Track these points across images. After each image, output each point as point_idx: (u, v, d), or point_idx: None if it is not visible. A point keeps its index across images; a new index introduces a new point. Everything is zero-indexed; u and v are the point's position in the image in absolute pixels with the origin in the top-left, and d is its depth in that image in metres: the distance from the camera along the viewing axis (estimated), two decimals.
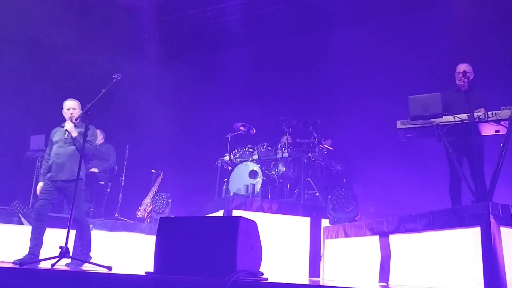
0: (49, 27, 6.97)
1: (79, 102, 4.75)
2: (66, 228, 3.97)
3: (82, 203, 4.70)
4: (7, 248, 5.24)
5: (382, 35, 7.16)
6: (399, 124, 4.15)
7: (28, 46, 6.71)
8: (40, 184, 4.68)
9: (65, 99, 4.75)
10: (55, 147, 4.68)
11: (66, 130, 4.59)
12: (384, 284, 3.72)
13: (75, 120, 4.66)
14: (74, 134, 4.58)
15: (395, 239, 3.83)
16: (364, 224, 4.32)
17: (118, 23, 7.95)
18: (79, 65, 7.09)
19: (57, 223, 5.58)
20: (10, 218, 5.52)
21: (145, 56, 8.37)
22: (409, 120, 4.08)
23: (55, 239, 5.27)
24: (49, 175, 4.62)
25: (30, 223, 5.50)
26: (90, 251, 4.66)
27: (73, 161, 4.58)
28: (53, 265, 3.65)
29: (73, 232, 5.44)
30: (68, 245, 3.86)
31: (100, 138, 7.19)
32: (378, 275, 3.89)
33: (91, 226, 5.79)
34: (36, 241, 4.41)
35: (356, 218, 5.00)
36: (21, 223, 5.54)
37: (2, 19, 6.60)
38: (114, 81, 4.43)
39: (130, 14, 8.00)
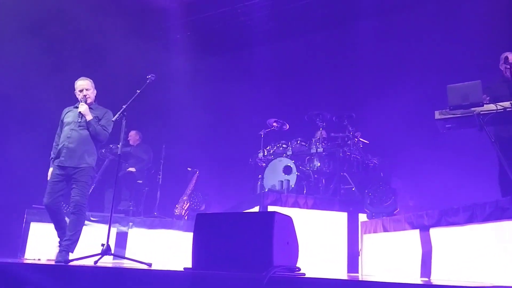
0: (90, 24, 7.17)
1: (92, 81, 4.44)
2: (107, 224, 4.08)
3: (88, 192, 4.28)
4: (52, 246, 5.46)
5: (415, 24, 6.94)
6: (437, 115, 4.01)
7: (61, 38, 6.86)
8: (50, 170, 4.26)
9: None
10: (66, 129, 4.29)
11: (79, 112, 4.26)
12: (426, 279, 3.61)
13: (90, 102, 4.36)
14: (89, 117, 4.26)
15: (436, 233, 3.72)
16: (403, 218, 4.22)
17: (150, 24, 8.11)
18: (112, 67, 7.26)
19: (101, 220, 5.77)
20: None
21: (177, 56, 8.48)
22: (448, 110, 3.93)
23: (94, 235, 5.48)
24: (58, 160, 4.20)
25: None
26: (74, 248, 4.11)
27: (85, 146, 4.25)
28: (96, 262, 3.77)
29: (102, 227, 5.62)
30: (109, 242, 3.96)
31: (136, 138, 7.38)
32: (419, 270, 3.79)
33: (130, 224, 5.96)
34: (65, 237, 4.05)
35: (395, 212, 4.88)
36: None
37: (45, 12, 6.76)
38: (148, 81, 4.50)
39: (161, 15, 8.14)
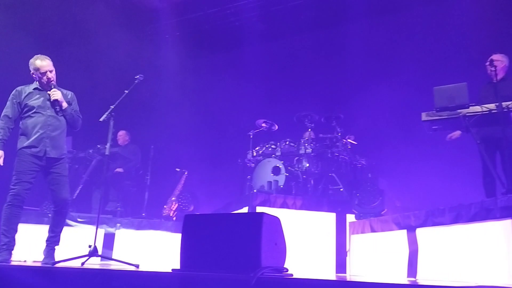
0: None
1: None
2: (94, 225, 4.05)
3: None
4: (38, 247, 5.40)
5: (403, 26, 7.03)
6: (424, 116, 4.06)
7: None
8: (1, 154, 3.78)
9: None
10: (40, 115, 3.89)
11: (54, 99, 3.90)
12: (413, 279, 3.65)
13: (54, 84, 3.95)
14: (65, 104, 3.99)
15: (422, 233, 3.77)
16: (390, 218, 4.26)
17: (139, 23, 8.07)
18: (100, 66, 7.21)
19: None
20: (41, 219, 5.67)
21: (166, 56, 8.46)
22: (434, 111, 3.99)
23: (81, 236, 5.44)
24: (37, 150, 3.84)
25: None
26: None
27: (63, 135, 4.03)
28: (83, 263, 3.74)
29: (89, 228, 5.58)
30: (97, 244, 3.94)
31: (126, 138, 7.33)
32: (406, 270, 3.83)
33: (118, 225, 5.92)
34: (14, 233, 3.78)
35: (382, 212, 4.93)
36: None
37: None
38: (136, 82, 4.48)
39: (150, 15, 8.11)
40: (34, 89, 4.00)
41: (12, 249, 3.80)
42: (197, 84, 8.46)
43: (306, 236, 5.04)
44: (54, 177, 3.92)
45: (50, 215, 4.07)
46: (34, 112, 3.90)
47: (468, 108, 3.86)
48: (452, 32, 6.48)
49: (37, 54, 3.99)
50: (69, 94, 4.18)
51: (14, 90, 3.98)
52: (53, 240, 3.96)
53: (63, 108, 3.99)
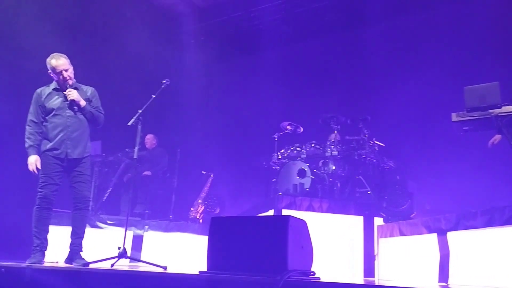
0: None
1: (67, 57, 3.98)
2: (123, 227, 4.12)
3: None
4: (66, 249, 5.53)
5: (430, 24, 6.88)
6: (454, 117, 3.95)
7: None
8: (35, 158, 3.81)
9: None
10: (60, 117, 3.90)
11: (71, 99, 3.89)
12: (444, 284, 3.56)
13: (72, 83, 3.93)
14: (83, 102, 3.95)
15: (454, 237, 3.67)
16: (420, 222, 4.17)
17: (165, 29, 8.19)
18: (127, 71, 7.34)
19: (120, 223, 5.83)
20: None
21: (192, 60, 8.55)
22: (465, 112, 3.88)
23: (111, 238, 5.54)
24: (58, 152, 3.86)
25: (91, 226, 5.78)
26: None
27: (85, 134, 4.02)
28: (112, 265, 3.80)
29: (118, 230, 5.69)
30: (126, 245, 4.00)
31: (153, 142, 7.45)
32: (437, 275, 3.74)
33: (146, 227, 6.01)
34: (45, 234, 3.88)
35: (412, 215, 4.82)
36: None
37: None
38: (163, 86, 4.54)
39: (176, 20, 8.22)
40: (53, 89, 3.98)
41: (45, 250, 3.91)
42: (222, 87, 8.52)
43: (332, 240, 4.98)
44: (76, 175, 3.95)
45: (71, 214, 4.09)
46: (54, 114, 3.91)
47: (501, 108, 3.74)
48: (481, 30, 6.28)
49: (67, 57, 4.04)
50: (89, 90, 4.14)
51: (35, 93, 3.99)
52: (77, 244, 4.00)
53: (82, 107, 3.95)
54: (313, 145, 6.03)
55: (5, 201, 5.67)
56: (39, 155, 3.88)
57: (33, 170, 3.84)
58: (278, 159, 6.22)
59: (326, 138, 6.13)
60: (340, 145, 5.91)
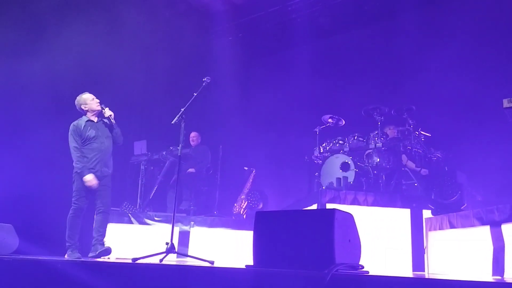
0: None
1: None
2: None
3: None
4: (120, 245, 5.75)
5: (479, 7, 6.55)
6: (506, 103, 3.75)
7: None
8: (92, 176, 4.61)
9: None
10: (97, 143, 4.72)
11: (108, 117, 4.78)
12: (499, 277, 3.40)
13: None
14: (114, 121, 4.84)
15: (508, 229, 3.49)
16: (471, 213, 4.00)
17: (203, 27, 8.29)
18: (171, 72, 7.48)
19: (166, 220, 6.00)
20: (121, 218, 6.04)
21: (231, 57, 8.60)
22: None
23: (158, 234, 5.70)
24: (93, 170, 4.64)
25: (139, 222, 5.98)
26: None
27: (111, 155, 4.88)
28: (161, 260, 3.91)
29: (165, 226, 5.84)
30: (173, 241, 4.10)
31: (197, 140, 7.58)
32: (491, 268, 3.58)
33: (192, 223, 6.14)
34: (77, 237, 4.62)
35: (462, 207, 4.64)
36: (130, 222, 6.03)
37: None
38: (204, 84, 4.61)
39: (213, 18, 8.30)
40: (86, 121, 4.78)
41: (78, 248, 4.60)
42: (261, 83, 8.53)
43: (379, 233, 4.88)
44: (102, 188, 4.71)
45: (95, 216, 4.78)
46: (92, 140, 4.73)
47: None
48: None
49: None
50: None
51: (72, 125, 4.73)
52: (100, 240, 4.67)
53: (113, 123, 4.81)
54: (355, 137, 5.91)
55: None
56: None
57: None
58: (320, 153, 6.15)
59: (369, 130, 5.99)
60: (384, 136, 5.76)
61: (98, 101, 4.85)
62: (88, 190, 4.62)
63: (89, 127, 4.74)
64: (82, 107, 4.81)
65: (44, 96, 5.95)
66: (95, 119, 4.85)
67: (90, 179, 4.58)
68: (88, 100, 4.80)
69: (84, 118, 4.81)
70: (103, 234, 4.70)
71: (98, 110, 4.83)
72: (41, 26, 6.01)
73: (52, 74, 5.97)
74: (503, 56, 5.96)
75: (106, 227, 4.77)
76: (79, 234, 4.63)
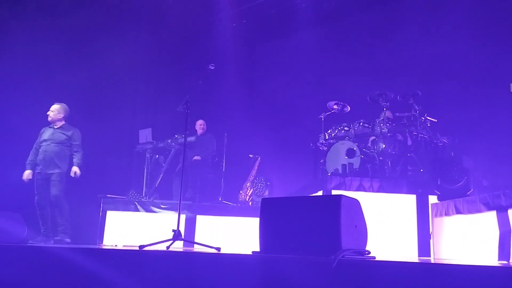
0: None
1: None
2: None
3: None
4: (127, 232, 5.80)
5: None
6: None
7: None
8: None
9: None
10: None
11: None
12: (505, 262, 3.41)
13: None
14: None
15: None
16: (478, 199, 3.99)
17: (206, 15, 8.22)
18: (175, 59, 7.45)
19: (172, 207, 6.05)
20: (128, 206, 6.07)
21: (235, 44, 8.55)
22: None
23: (165, 222, 5.75)
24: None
25: (145, 210, 6.02)
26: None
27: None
28: (168, 247, 3.94)
29: (171, 214, 5.90)
30: (179, 228, 4.12)
31: (203, 128, 7.57)
32: (497, 253, 3.58)
33: (198, 210, 6.17)
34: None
35: (468, 193, 4.62)
36: (137, 210, 6.07)
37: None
38: (208, 71, 4.58)
39: (217, 4, 8.23)
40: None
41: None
42: (265, 69, 8.47)
43: (385, 219, 4.88)
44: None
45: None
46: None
47: None
48: None
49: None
50: (70, 132, 5.63)
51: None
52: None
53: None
54: (361, 123, 5.87)
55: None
56: None
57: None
58: (325, 139, 6.12)
59: (375, 116, 5.94)
60: (390, 122, 5.73)
61: (52, 111, 5.59)
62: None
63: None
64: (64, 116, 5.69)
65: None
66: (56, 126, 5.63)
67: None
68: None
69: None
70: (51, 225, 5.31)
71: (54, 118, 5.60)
72: None
73: None
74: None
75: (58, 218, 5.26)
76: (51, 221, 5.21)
